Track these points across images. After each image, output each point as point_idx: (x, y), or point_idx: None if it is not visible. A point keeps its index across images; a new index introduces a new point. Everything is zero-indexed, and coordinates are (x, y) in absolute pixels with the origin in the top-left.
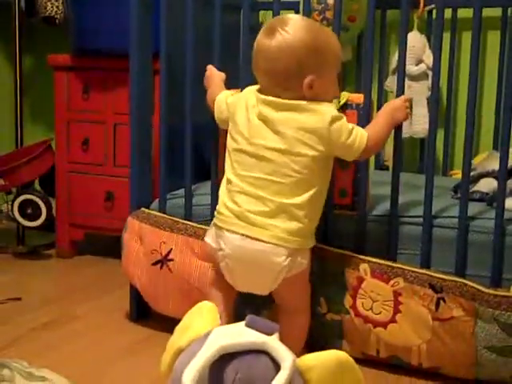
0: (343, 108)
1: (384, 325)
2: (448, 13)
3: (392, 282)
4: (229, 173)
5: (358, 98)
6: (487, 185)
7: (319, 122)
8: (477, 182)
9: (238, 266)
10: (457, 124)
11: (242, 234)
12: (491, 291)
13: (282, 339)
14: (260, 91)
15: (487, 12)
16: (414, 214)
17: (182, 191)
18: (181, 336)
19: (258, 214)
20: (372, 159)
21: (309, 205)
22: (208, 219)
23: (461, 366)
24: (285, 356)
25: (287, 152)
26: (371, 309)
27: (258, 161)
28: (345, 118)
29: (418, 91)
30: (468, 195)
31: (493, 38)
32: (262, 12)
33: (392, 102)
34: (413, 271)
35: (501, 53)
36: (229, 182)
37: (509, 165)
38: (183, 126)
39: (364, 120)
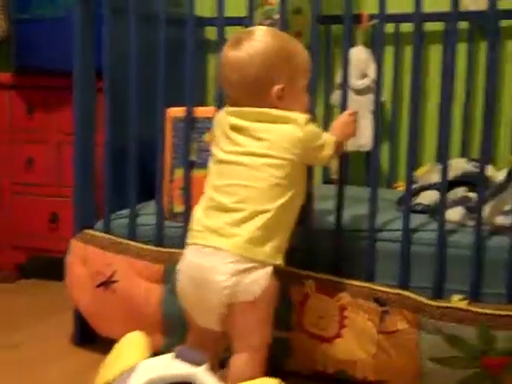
0: None
1: (330, 340)
2: (392, 27)
3: (337, 296)
4: (207, 188)
5: None
6: (429, 197)
7: (294, 127)
8: (419, 194)
9: (187, 287)
10: (401, 137)
11: (206, 246)
12: (434, 303)
13: (231, 379)
14: (231, 105)
15: (429, 26)
16: (359, 227)
17: (127, 211)
18: (109, 369)
19: (227, 224)
20: (319, 173)
21: (280, 212)
22: (152, 239)
23: (406, 378)
24: None
25: (265, 155)
26: (317, 325)
27: (232, 167)
28: (315, 124)
29: (363, 105)
30: (410, 208)
31: (435, 52)
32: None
33: (340, 118)
34: (357, 285)
35: (444, 66)
36: (205, 197)
37: (450, 177)
38: (128, 145)
39: None
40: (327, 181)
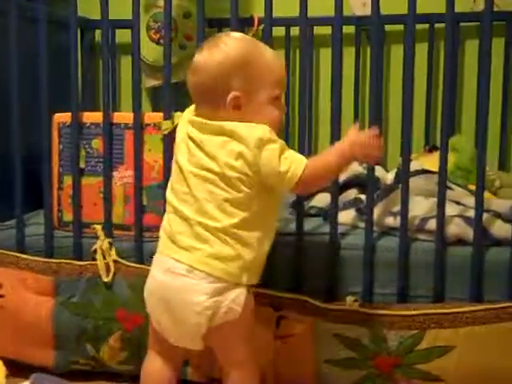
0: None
1: None
2: (283, 31)
3: None
4: (168, 191)
5: None
6: (323, 199)
7: (244, 146)
8: (313, 197)
9: (158, 310)
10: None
11: (171, 257)
12: (328, 306)
13: None
14: (195, 111)
15: (318, 30)
16: None
17: (14, 221)
18: None
19: (187, 237)
20: None
21: (242, 229)
22: (41, 250)
23: (303, 381)
24: None
25: (218, 174)
26: None
27: (189, 176)
28: (280, 142)
29: None
30: (304, 211)
31: (326, 55)
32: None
33: (355, 135)
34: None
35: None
36: (166, 201)
37: (342, 179)
38: (13, 152)
39: None
40: None
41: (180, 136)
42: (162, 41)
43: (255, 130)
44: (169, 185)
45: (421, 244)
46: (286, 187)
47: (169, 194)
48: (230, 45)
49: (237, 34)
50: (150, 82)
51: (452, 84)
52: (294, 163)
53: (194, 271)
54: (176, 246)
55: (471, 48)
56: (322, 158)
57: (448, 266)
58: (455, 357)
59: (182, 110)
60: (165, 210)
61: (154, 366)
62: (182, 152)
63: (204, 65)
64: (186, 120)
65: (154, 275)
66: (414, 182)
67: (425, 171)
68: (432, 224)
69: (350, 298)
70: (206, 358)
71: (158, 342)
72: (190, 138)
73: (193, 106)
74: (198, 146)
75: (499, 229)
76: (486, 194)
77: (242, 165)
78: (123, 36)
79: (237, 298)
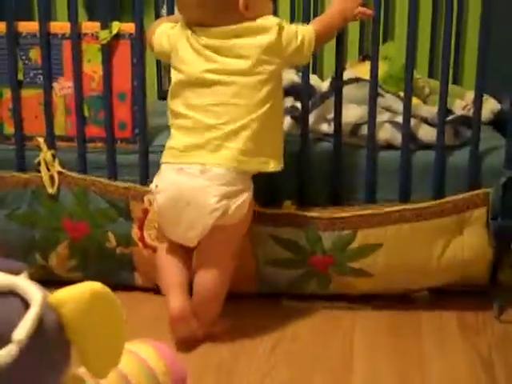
0: (115, 38)
1: None
2: None
3: None
4: (177, 106)
5: (130, 27)
6: None
7: (268, 36)
8: None
9: (168, 206)
10: None
11: (194, 163)
12: (266, 210)
13: (195, 298)
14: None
15: None
16: None
17: None
18: None
19: (212, 139)
20: (154, 89)
21: (267, 119)
22: None
23: (246, 282)
24: (34, 293)
25: (247, 73)
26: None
27: (214, 87)
28: (286, 23)
29: None
30: None
31: None
32: None
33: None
34: None
35: None
36: (181, 116)
37: None
38: None
39: (137, 50)
40: (163, 96)
41: (185, 49)
42: None
43: (268, 23)
44: (177, 103)
45: (354, 149)
46: (306, 58)
47: (184, 112)
48: None
49: None
50: None
51: None
52: (306, 34)
53: (207, 172)
54: (204, 151)
55: None
56: (326, 20)
57: (379, 169)
58: (384, 253)
59: (119, 19)
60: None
61: (168, 255)
62: (192, 64)
63: None
64: (186, 38)
65: (164, 176)
66: (348, 90)
67: (358, 79)
68: (364, 130)
69: (287, 202)
70: (150, 266)
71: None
72: (206, 46)
73: (168, 24)
74: (218, 52)
75: (426, 133)
76: (415, 101)
77: (265, 60)
78: None
79: (245, 202)
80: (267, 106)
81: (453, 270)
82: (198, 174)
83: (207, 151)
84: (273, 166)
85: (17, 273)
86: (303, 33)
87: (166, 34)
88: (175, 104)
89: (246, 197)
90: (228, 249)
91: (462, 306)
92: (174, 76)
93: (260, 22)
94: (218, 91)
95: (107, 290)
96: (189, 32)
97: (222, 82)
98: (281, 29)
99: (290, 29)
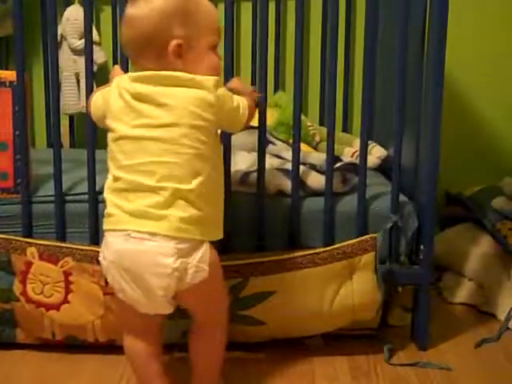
0: None
1: (57, 307)
2: None
3: (61, 262)
4: (113, 169)
5: (12, 74)
6: None
7: (203, 90)
8: None
9: (122, 279)
10: None
11: (135, 231)
12: None
13: (197, 360)
14: (135, 70)
15: None
16: (80, 191)
17: None
18: None
19: (152, 207)
20: (43, 136)
21: (206, 185)
22: None
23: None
24: None
25: (175, 125)
26: (42, 292)
27: (144, 144)
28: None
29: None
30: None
31: None
32: None
33: (236, 83)
34: (81, 249)
35: None
36: (115, 179)
37: None
38: None
39: (19, 97)
40: (51, 144)
41: (116, 107)
42: None
43: (204, 78)
44: (111, 166)
45: (244, 196)
46: (239, 125)
47: (117, 172)
48: None
49: None
50: None
51: (277, 40)
52: (242, 105)
53: (157, 236)
54: (143, 219)
55: (292, 5)
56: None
57: (268, 216)
58: (276, 301)
59: (6, 67)
60: None
61: (136, 348)
62: (126, 119)
63: (142, 15)
64: (121, 89)
65: (111, 245)
66: (239, 137)
67: (249, 127)
68: (254, 177)
69: None
70: (33, 321)
71: (130, 319)
72: (135, 96)
73: (124, 77)
74: (147, 102)
75: (314, 180)
76: (306, 148)
77: (205, 110)
78: None
79: (203, 256)
80: (206, 169)
81: (344, 315)
82: (146, 239)
83: (146, 219)
84: (217, 234)
85: None
86: (238, 100)
87: (101, 94)
88: (112, 168)
89: (204, 250)
90: (214, 302)
91: (354, 350)
92: (110, 137)
93: (195, 76)
94: (148, 149)
95: None
96: (124, 81)
97: (152, 138)
98: (216, 85)
99: (226, 91)
